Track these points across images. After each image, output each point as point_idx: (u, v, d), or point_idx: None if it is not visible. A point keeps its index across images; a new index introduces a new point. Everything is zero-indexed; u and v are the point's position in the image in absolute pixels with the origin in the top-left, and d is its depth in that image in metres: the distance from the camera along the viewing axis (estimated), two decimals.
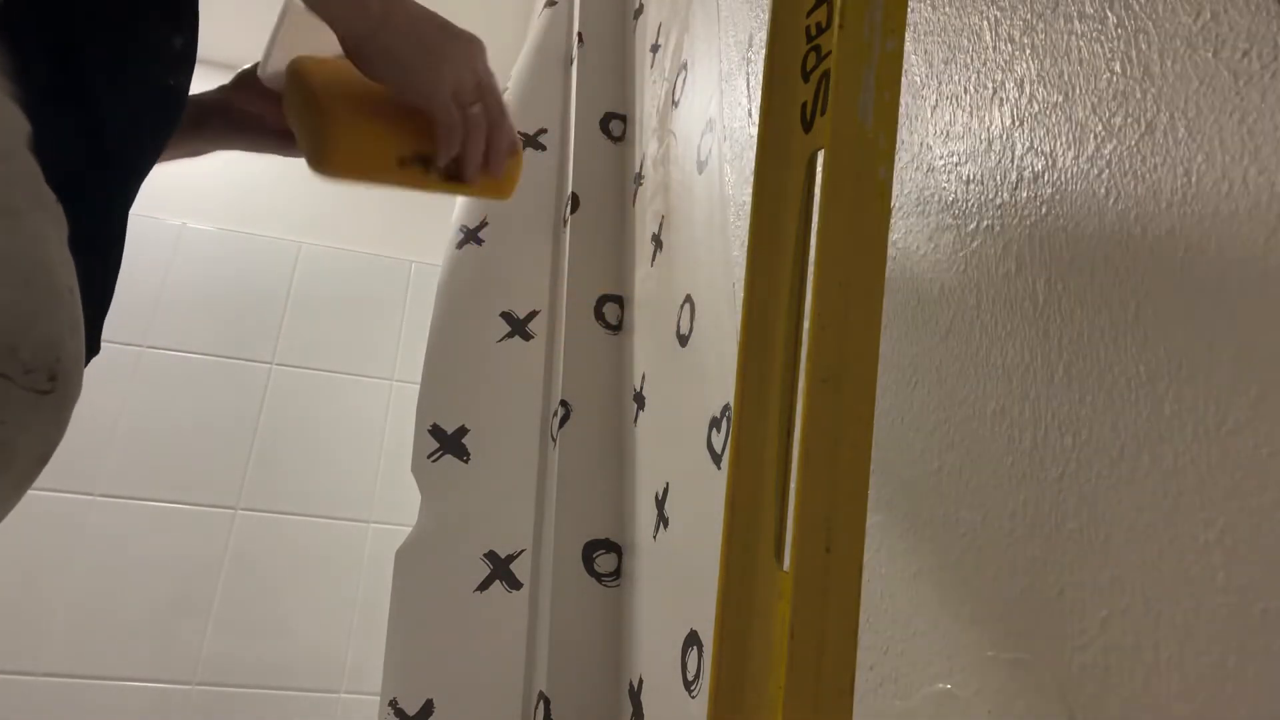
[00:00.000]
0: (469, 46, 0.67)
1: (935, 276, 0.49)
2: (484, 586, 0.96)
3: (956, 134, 0.50)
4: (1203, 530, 0.32)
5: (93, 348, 0.51)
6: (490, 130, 0.68)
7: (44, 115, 0.46)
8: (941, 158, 0.51)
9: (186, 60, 0.59)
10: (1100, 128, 0.40)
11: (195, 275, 1.82)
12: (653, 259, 0.96)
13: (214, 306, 1.82)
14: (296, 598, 1.67)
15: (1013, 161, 0.45)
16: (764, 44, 0.45)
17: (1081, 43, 0.42)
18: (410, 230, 1.91)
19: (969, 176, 0.48)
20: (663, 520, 0.80)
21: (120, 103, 0.53)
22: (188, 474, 1.70)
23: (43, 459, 0.43)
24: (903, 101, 0.55)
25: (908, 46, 0.54)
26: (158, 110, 0.57)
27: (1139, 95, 0.39)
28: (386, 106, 0.67)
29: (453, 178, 0.71)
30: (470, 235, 1.17)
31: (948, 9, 0.53)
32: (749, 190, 0.50)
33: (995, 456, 0.42)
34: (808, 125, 0.40)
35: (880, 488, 0.49)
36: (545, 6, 1.35)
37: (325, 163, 0.68)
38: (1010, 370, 0.42)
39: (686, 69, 0.98)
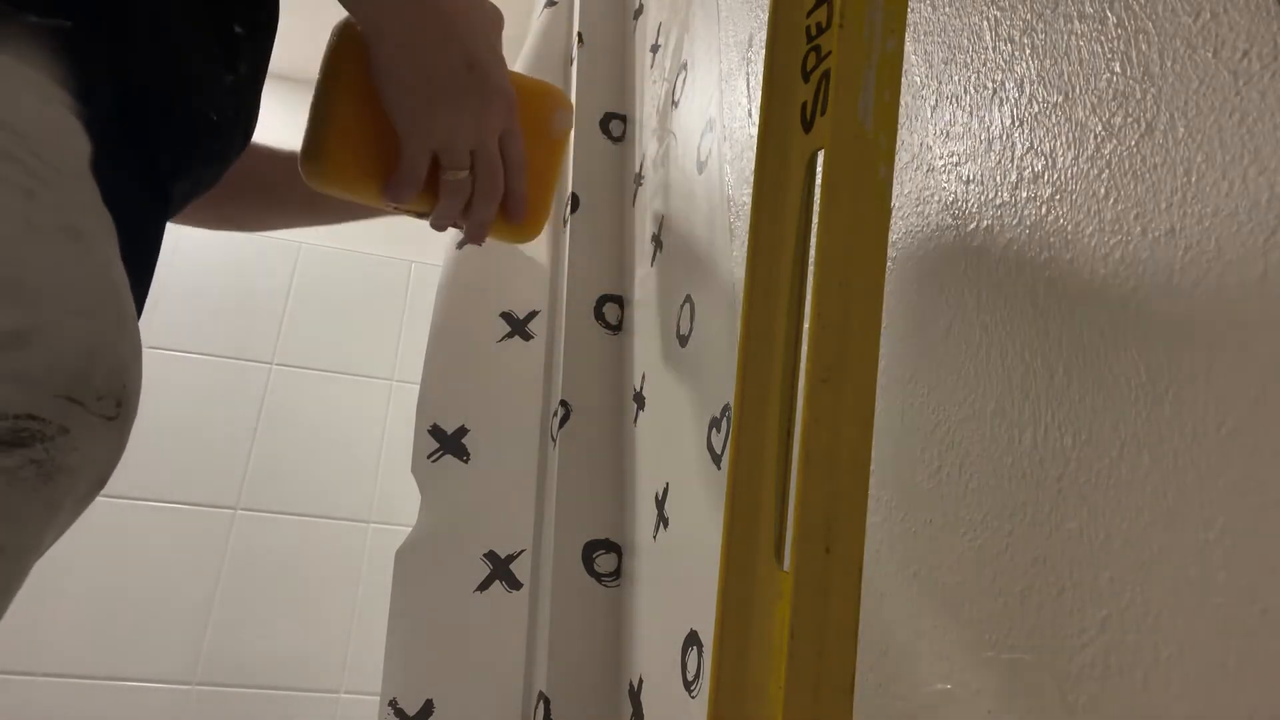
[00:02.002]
0: (489, 104, 0.61)
1: (935, 276, 0.49)
2: (484, 586, 0.96)
3: (956, 134, 0.50)
4: (1203, 530, 0.32)
5: None
6: (474, 199, 0.65)
7: (106, 136, 0.46)
8: (941, 158, 0.51)
9: (236, 96, 0.58)
10: (1100, 128, 0.40)
11: (195, 275, 1.82)
12: (653, 259, 0.96)
13: (214, 306, 1.82)
14: (296, 598, 1.67)
15: (1013, 161, 0.45)
16: (764, 44, 0.45)
17: (1081, 43, 0.42)
18: (410, 230, 1.91)
19: (969, 176, 0.48)
20: (663, 520, 0.80)
21: (173, 130, 0.53)
22: (188, 474, 1.70)
23: (101, 482, 0.43)
24: (903, 101, 0.55)
25: (908, 46, 0.54)
26: (205, 140, 0.57)
27: (1139, 95, 0.39)
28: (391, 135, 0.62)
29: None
30: None
31: (948, 9, 0.53)
32: (749, 190, 0.50)
33: (995, 456, 0.42)
34: (808, 125, 0.40)
35: (880, 488, 0.49)
36: (545, 6, 1.35)
37: (308, 172, 0.64)
38: (1010, 370, 0.42)
39: (686, 69, 0.98)
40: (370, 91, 0.61)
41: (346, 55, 0.62)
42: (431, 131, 0.60)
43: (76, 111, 0.45)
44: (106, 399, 0.40)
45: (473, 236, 0.70)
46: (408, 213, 0.70)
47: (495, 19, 0.63)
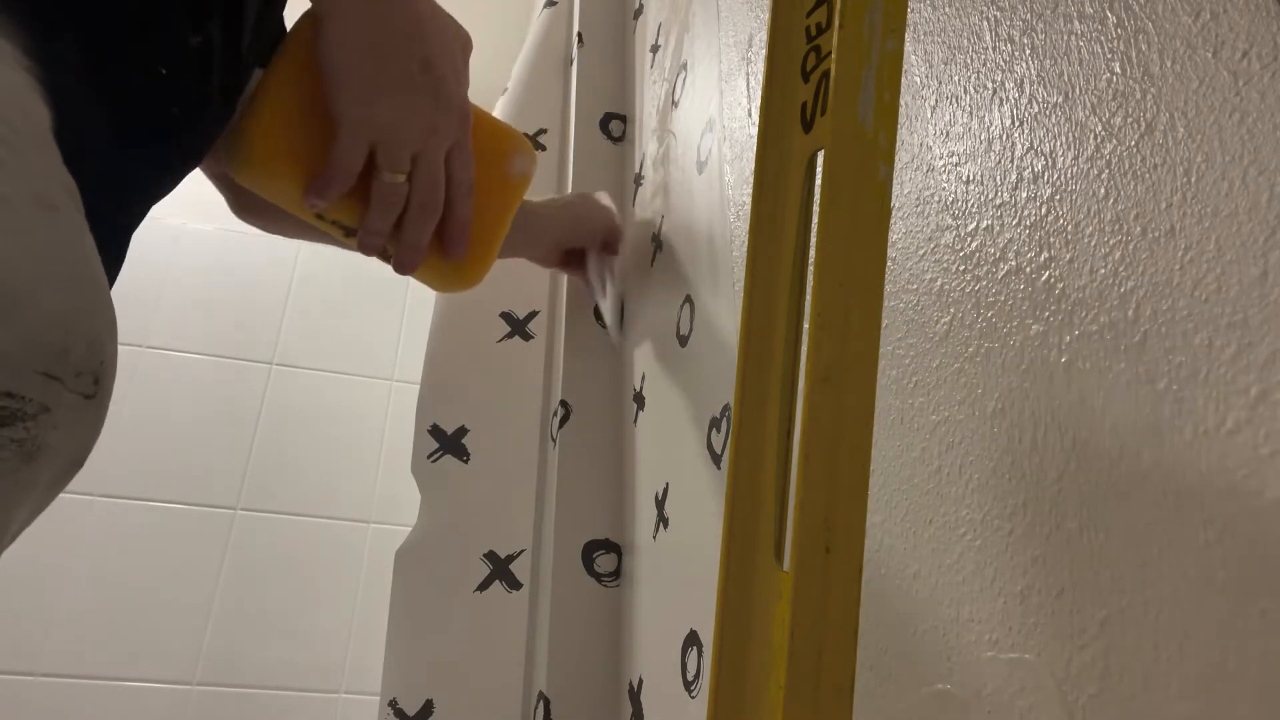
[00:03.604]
0: (440, 109, 0.56)
1: (935, 276, 0.49)
2: (484, 586, 0.96)
3: (956, 134, 0.50)
4: (1203, 530, 0.32)
5: None
6: (409, 213, 0.58)
7: (68, 100, 0.45)
8: (941, 158, 0.51)
9: (204, 60, 0.55)
10: (1100, 128, 0.40)
11: (195, 275, 1.82)
12: (653, 259, 0.96)
13: (214, 306, 1.82)
14: (296, 598, 1.67)
15: (1012, 161, 0.45)
16: (764, 44, 0.45)
17: (1081, 43, 0.42)
18: None
19: (969, 176, 0.48)
20: (663, 520, 0.80)
21: (128, 86, 0.51)
22: (188, 474, 1.70)
23: (78, 463, 0.42)
24: (903, 101, 0.55)
25: (908, 46, 0.54)
26: (163, 100, 0.53)
27: (1139, 95, 0.39)
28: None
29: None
30: None
31: (948, 9, 0.53)
32: (749, 190, 0.50)
33: (995, 456, 0.42)
34: (808, 125, 0.40)
35: (880, 488, 0.49)
36: (545, 6, 1.35)
37: (235, 168, 0.59)
38: (1009, 370, 0.42)
39: (686, 69, 0.98)
40: (316, 81, 0.55)
41: (298, 41, 0.57)
42: (371, 120, 0.54)
43: (35, 74, 0.43)
44: (85, 375, 0.39)
45: (403, 262, 0.61)
46: (333, 227, 0.62)
47: (464, 40, 0.60)
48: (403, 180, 0.57)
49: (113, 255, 0.49)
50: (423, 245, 0.60)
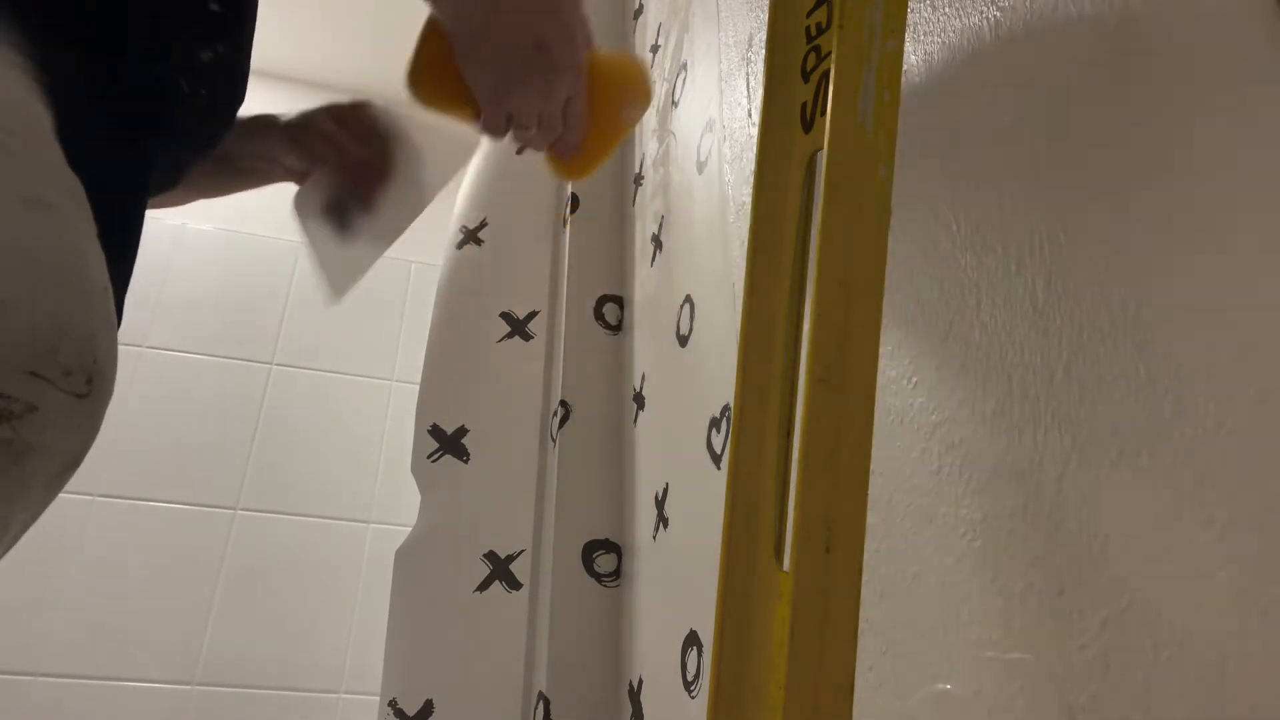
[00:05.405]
0: (555, 79, 0.68)
1: (935, 276, 0.49)
2: (484, 587, 0.96)
3: None
4: (1203, 530, 0.32)
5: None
6: (531, 141, 0.73)
7: (71, 103, 0.45)
8: None
9: (216, 74, 0.58)
10: None
11: (195, 275, 1.82)
12: (653, 259, 0.96)
13: (214, 306, 1.82)
14: (296, 598, 1.67)
15: None
16: (764, 44, 0.45)
17: None
18: (410, 230, 1.91)
19: None
20: (663, 520, 0.80)
21: (141, 97, 0.52)
22: (188, 474, 1.70)
23: (75, 463, 0.42)
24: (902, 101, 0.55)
25: (908, 46, 0.54)
26: (180, 113, 0.56)
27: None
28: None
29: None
30: (470, 235, 1.17)
31: (948, 9, 0.53)
32: (749, 190, 0.50)
33: (995, 456, 0.42)
34: (808, 125, 0.40)
35: (880, 488, 0.49)
36: None
37: (411, 82, 0.71)
38: (1010, 370, 0.42)
39: (686, 69, 0.98)
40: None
41: (433, 32, 0.71)
42: (504, 105, 0.69)
43: (36, 77, 0.44)
44: (76, 375, 0.39)
45: (523, 149, 0.78)
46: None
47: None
48: (532, 132, 0.71)
49: (119, 252, 0.50)
50: (540, 150, 0.76)
